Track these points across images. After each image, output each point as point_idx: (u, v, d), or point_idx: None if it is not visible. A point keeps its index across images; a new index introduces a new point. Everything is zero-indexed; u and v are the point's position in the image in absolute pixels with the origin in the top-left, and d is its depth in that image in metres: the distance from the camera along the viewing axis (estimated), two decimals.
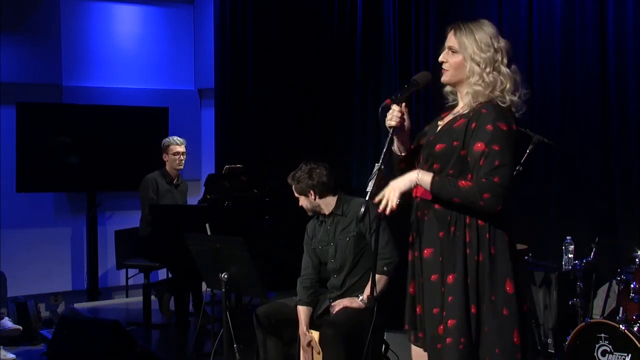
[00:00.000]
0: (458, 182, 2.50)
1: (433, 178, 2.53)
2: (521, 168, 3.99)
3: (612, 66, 4.62)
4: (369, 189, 2.49)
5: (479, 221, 2.53)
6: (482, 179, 2.46)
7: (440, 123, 2.69)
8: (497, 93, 2.57)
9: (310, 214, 3.98)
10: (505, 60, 2.61)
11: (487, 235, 2.53)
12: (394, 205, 2.52)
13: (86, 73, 7.27)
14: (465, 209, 2.52)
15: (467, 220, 2.54)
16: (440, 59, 2.66)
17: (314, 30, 6.90)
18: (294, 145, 6.84)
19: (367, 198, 2.49)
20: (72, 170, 6.88)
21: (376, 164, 2.52)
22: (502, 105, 2.56)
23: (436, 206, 2.58)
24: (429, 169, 2.61)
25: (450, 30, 2.66)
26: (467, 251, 2.52)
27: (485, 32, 2.60)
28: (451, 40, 2.64)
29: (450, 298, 2.53)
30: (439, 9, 5.79)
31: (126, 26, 7.49)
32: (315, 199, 3.89)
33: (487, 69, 2.57)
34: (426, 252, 2.61)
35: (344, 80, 6.70)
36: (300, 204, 3.97)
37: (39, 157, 6.72)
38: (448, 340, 2.50)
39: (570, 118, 4.86)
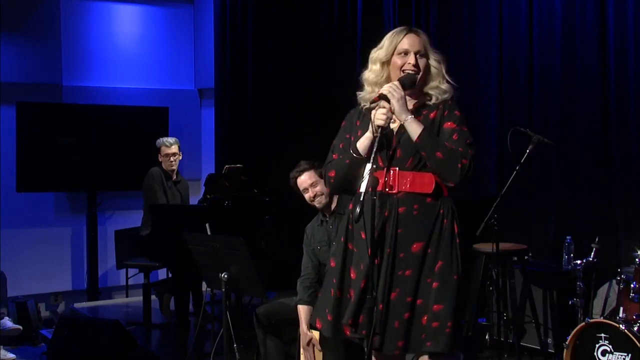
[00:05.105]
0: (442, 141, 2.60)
1: (423, 129, 2.58)
2: (519, 168, 4.00)
3: (612, 66, 4.62)
4: (362, 189, 2.48)
5: (454, 211, 2.66)
6: (459, 148, 2.60)
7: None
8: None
9: (319, 205, 3.86)
10: None
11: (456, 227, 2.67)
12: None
13: (86, 73, 7.26)
14: (442, 169, 2.58)
15: (452, 210, 2.66)
16: (413, 63, 2.69)
17: (314, 30, 6.89)
18: (294, 145, 6.84)
19: (361, 199, 2.47)
20: (72, 170, 6.87)
21: (367, 165, 2.52)
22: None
23: (428, 200, 2.63)
24: (415, 162, 2.63)
25: (410, 33, 2.74)
26: (457, 240, 2.64)
27: None
28: (417, 43, 2.72)
29: (435, 284, 2.58)
30: (439, 9, 5.79)
31: (126, 26, 7.48)
32: None
33: (444, 67, 2.76)
34: (415, 246, 2.61)
35: (344, 80, 6.69)
36: (315, 191, 3.81)
37: (39, 157, 6.71)
38: (434, 324, 2.55)
39: (570, 118, 4.85)
